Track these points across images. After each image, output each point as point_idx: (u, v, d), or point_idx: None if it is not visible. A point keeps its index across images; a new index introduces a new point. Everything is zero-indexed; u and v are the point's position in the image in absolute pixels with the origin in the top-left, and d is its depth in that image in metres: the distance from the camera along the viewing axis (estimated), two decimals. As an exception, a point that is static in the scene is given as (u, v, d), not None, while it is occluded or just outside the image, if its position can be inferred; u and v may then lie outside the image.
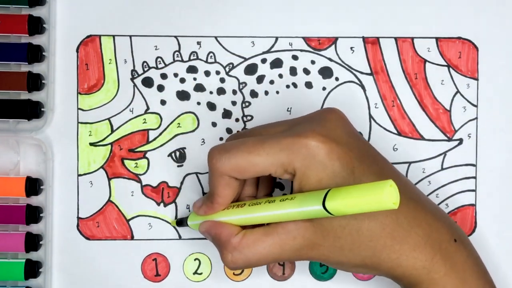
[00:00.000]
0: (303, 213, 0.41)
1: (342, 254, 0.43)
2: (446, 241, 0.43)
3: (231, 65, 0.52)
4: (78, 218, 0.52)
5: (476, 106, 0.52)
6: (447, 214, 0.46)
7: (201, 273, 0.52)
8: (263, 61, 0.52)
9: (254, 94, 0.52)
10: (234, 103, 0.52)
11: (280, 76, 0.52)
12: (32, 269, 0.50)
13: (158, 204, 0.52)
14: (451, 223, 0.45)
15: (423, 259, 0.43)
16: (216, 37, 0.52)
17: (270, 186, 0.48)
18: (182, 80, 0.52)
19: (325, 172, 0.41)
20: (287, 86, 0.52)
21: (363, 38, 0.52)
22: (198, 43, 0.52)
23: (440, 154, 0.52)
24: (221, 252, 0.44)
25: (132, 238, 0.52)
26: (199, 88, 0.52)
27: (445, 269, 0.43)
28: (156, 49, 0.51)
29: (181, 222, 0.50)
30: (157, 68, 0.52)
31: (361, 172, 0.42)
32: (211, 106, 0.52)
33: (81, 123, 0.51)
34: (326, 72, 0.52)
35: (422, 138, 0.52)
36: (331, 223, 0.42)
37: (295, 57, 0.52)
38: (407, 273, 0.43)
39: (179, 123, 0.52)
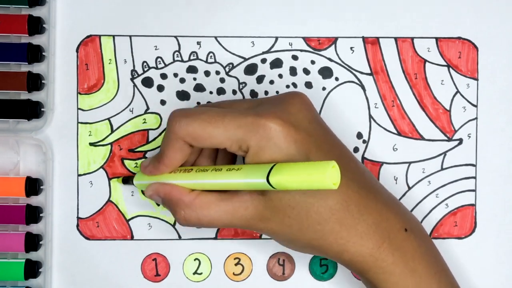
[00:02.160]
0: (248, 184, 0.42)
1: (291, 232, 0.43)
2: (395, 230, 0.44)
3: (231, 65, 0.52)
4: (78, 218, 0.52)
5: (476, 106, 0.52)
6: (402, 205, 0.47)
7: (201, 273, 0.52)
8: (263, 61, 0.52)
9: (254, 94, 0.52)
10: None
11: (280, 76, 0.52)
12: (32, 269, 0.50)
13: (158, 204, 0.52)
14: (404, 213, 0.45)
15: (370, 246, 0.43)
16: (216, 37, 0.52)
17: (229, 162, 0.48)
18: (182, 80, 0.52)
19: (279, 154, 0.42)
20: (287, 86, 0.52)
21: (363, 38, 0.52)
22: (198, 43, 0.52)
23: (440, 154, 0.52)
24: (173, 210, 0.45)
25: (132, 238, 0.52)
26: (199, 88, 0.52)
27: (392, 258, 0.43)
28: (156, 49, 0.51)
29: (127, 180, 0.51)
30: (157, 68, 0.52)
31: (317, 158, 0.42)
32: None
33: (81, 123, 0.51)
34: (326, 72, 0.52)
35: (422, 138, 0.52)
36: (281, 201, 0.42)
37: (295, 57, 0.52)
38: (354, 259, 0.44)
39: (179, 123, 0.52)
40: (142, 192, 0.51)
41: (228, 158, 0.48)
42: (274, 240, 0.46)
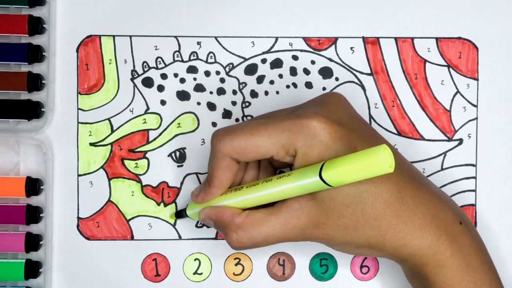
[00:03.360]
0: (301, 187, 0.41)
1: (347, 234, 0.42)
2: (451, 222, 0.43)
3: (231, 65, 0.52)
4: (78, 218, 0.52)
5: (476, 106, 0.52)
6: (451, 198, 0.46)
7: (201, 273, 0.52)
8: (263, 61, 0.52)
9: (254, 94, 0.52)
10: (234, 103, 0.52)
11: (280, 76, 0.52)
12: (32, 269, 0.50)
13: (158, 204, 0.52)
14: (455, 206, 0.45)
15: (428, 238, 0.42)
16: (216, 37, 0.52)
17: (271, 174, 0.48)
18: (182, 80, 0.52)
19: (327, 151, 0.41)
20: (287, 86, 0.52)
21: (363, 38, 0.52)
22: (198, 43, 0.52)
23: (440, 154, 0.52)
24: (225, 233, 0.44)
25: (132, 238, 0.52)
26: (199, 88, 0.52)
27: (451, 250, 0.43)
28: (156, 49, 0.52)
29: (180, 213, 0.51)
30: (157, 68, 0.52)
31: None
32: (211, 106, 0.52)
33: (81, 123, 0.51)
34: (326, 72, 0.52)
35: (422, 138, 0.52)
36: (334, 202, 0.42)
37: (295, 57, 0.52)
38: (413, 253, 0.43)
39: (179, 123, 0.52)
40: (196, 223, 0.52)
41: (268, 171, 0.47)
42: (329, 246, 0.45)
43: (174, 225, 0.52)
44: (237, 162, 0.44)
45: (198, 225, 0.52)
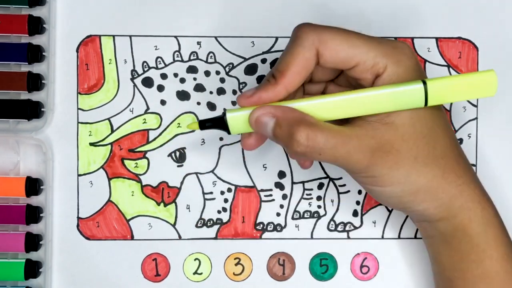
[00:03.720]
0: (397, 97, 0.39)
1: (414, 167, 0.40)
2: (480, 189, 0.43)
3: (231, 65, 0.52)
4: (78, 218, 0.52)
5: (476, 106, 0.52)
6: None
7: (201, 273, 0.52)
8: (263, 61, 0.52)
9: (254, 94, 0.52)
10: (234, 103, 0.52)
11: (280, 76, 0.52)
12: (32, 269, 0.50)
13: (158, 204, 0.52)
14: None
15: (479, 193, 0.42)
16: (216, 37, 0.52)
17: None
18: (182, 80, 0.52)
19: (414, 72, 0.41)
20: (287, 86, 0.52)
21: (363, 38, 0.52)
22: (198, 43, 0.52)
23: (440, 154, 0.52)
24: (294, 130, 0.38)
25: (132, 238, 0.52)
26: (199, 88, 0.52)
27: (494, 210, 0.43)
28: (156, 49, 0.52)
29: (205, 122, 0.42)
30: (157, 68, 0.52)
31: None
32: (211, 106, 0.52)
33: (81, 123, 0.52)
34: (326, 72, 0.52)
35: (422, 138, 0.52)
36: (413, 128, 0.40)
37: (295, 57, 0.52)
38: (465, 205, 0.41)
39: (179, 123, 0.52)
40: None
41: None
42: (382, 186, 0.41)
43: (174, 225, 0.52)
44: (317, 63, 0.40)
45: (199, 225, 0.52)
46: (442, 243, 0.43)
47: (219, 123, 0.41)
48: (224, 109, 0.44)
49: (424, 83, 0.39)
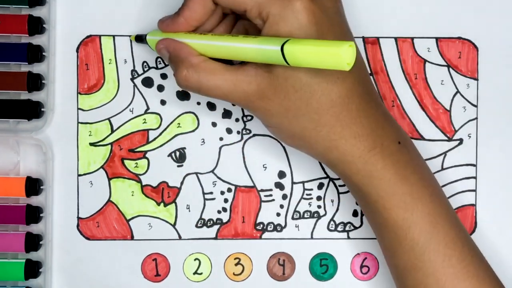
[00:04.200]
0: (260, 52, 0.41)
1: (286, 117, 0.43)
2: (389, 140, 0.44)
3: (231, 65, 0.52)
4: (78, 218, 0.52)
5: (476, 106, 0.52)
6: (396, 122, 0.46)
7: (201, 273, 0.52)
8: (263, 61, 0.52)
9: (254, 94, 0.52)
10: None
11: (280, 76, 0.52)
12: (32, 269, 0.50)
13: (158, 204, 0.52)
14: (399, 129, 0.46)
15: (361, 148, 0.43)
16: (216, 37, 0.52)
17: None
18: (182, 80, 0.52)
19: (298, 30, 0.41)
20: (287, 86, 0.52)
21: (363, 38, 0.52)
22: (198, 43, 0.52)
23: (440, 154, 0.52)
24: (176, 68, 0.44)
25: (132, 238, 0.52)
26: (199, 88, 0.52)
27: (383, 163, 0.43)
28: (156, 49, 0.51)
29: (140, 38, 0.50)
30: (157, 68, 0.52)
31: None
32: (211, 106, 0.52)
33: (81, 123, 0.51)
34: (326, 72, 0.52)
35: (422, 138, 0.52)
36: (286, 81, 0.42)
37: (295, 57, 0.52)
38: (342, 158, 0.44)
39: (179, 123, 0.52)
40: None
41: (249, 33, 0.47)
42: (265, 124, 0.45)
43: (174, 225, 0.52)
44: (214, 3, 0.44)
45: (199, 225, 0.52)
46: (351, 191, 0.47)
47: (143, 40, 0.49)
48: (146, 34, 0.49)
49: (285, 44, 0.40)
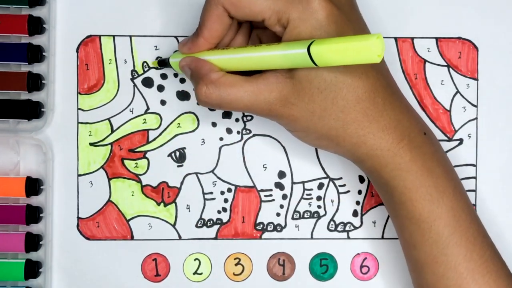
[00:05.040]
0: (286, 58, 0.41)
1: (311, 120, 0.43)
2: (416, 131, 0.44)
3: (231, 65, 0.52)
4: (78, 218, 0.52)
5: (476, 106, 0.52)
6: (418, 114, 0.46)
7: (201, 273, 0.52)
8: (263, 61, 0.52)
9: (254, 94, 0.52)
10: (234, 103, 0.52)
11: (280, 76, 0.52)
12: (32, 269, 0.50)
13: (158, 204, 0.52)
14: (422, 120, 0.46)
15: (389, 140, 0.43)
16: (216, 37, 0.52)
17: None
18: (182, 80, 0.52)
19: (318, 31, 0.41)
20: (287, 86, 0.52)
21: (363, 38, 0.52)
22: (198, 43, 0.52)
23: (440, 154, 0.52)
24: (196, 84, 0.44)
25: (132, 238, 0.52)
26: (199, 88, 0.52)
27: (410, 155, 0.43)
28: (156, 49, 0.52)
29: (163, 61, 0.50)
30: (157, 68, 0.52)
31: None
32: (211, 106, 0.52)
33: (81, 123, 0.52)
34: (326, 72, 0.52)
35: (422, 138, 0.52)
36: (310, 84, 0.42)
37: (295, 57, 0.52)
38: (370, 152, 0.44)
39: (179, 123, 0.52)
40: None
41: (262, 41, 0.47)
42: (290, 130, 0.45)
43: (174, 225, 0.52)
44: (230, 17, 0.44)
45: (199, 225, 0.52)
46: (374, 185, 0.47)
47: (167, 64, 0.50)
48: (168, 58, 0.50)
49: (311, 45, 0.39)
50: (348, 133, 0.43)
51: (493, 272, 0.44)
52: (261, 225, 0.52)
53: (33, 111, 0.50)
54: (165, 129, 0.52)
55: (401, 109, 0.44)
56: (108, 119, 0.52)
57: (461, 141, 0.52)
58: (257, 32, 0.47)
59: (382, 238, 0.52)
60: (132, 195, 0.52)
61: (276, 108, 0.43)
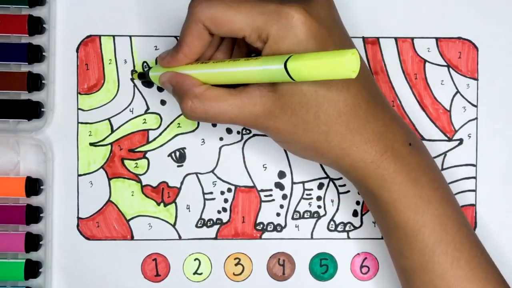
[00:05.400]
0: (264, 73, 0.41)
1: (295, 133, 0.43)
2: (399, 143, 0.44)
3: (231, 65, 0.52)
4: (78, 218, 0.52)
5: (476, 106, 0.52)
6: (406, 123, 0.46)
7: (201, 273, 0.52)
8: (263, 61, 0.52)
9: (254, 94, 0.52)
10: (234, 103, 0.52)
11: (280, 76, 0.52)
12: (32, 269, 0.50)
13: (158, 204, 0.52)
14: (409, 130, 0.46)
15: (372, 153, 0.43)
16: (216, 37, 0.52)
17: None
18: (182, 80, 0.52)
19: (297, 46, 0.41)
20: (287, 86, 0.52)
21: (363, 38, 0.52)
22: (198, 43, 0.51)
23: (440, 154, 0.52)
24: (181, 100, 0.44)
25: (132, 238, 0.52)
26: (199, 88, 0.52)
27: (394, 167, 0.44)
28: (156, 49, 0.51)
29: (143, 75, 0.50)
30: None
31: None
32: (211, 106, 0.52)
33: (81, 123, 0.52)
34: (326, 72, 0.52)
35: (422, 138, 0.52)
36: (292, 98, 0.42)
37: (295, 57, 0.52)
38: (354, 164, 0.44)
39: (179, 123, 0.52)
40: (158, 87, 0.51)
41: (244, 55, 0.47)
42: (275, 140, 0.46)
43: (174, 225, 0.52)
44: (210, 34, 0.44)
45: (199, 225, 0.52)
46: (361, 195, 0.47)
47: (146, 77, 0.50)
48: (149, 68, 0.51)
49: (288, 61, 0.40)
50: (332, 145, 0.43)
51: (481, 279, 0.44)
52: (261, 225, 0.52)
53: (33, 111, 0.50)
54: (165, 129, 0.52)
55: (384, 121, 0.44)
56: (108, 119, 0.52)
57: (461, 141, 0.52)
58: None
59: (382, 238, 0.52)
60: (132, 195, 0.52)
61: (261, 120, 0.43)
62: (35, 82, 0.50)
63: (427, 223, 0.44)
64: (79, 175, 0.52)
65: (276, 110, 0.43)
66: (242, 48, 0.48)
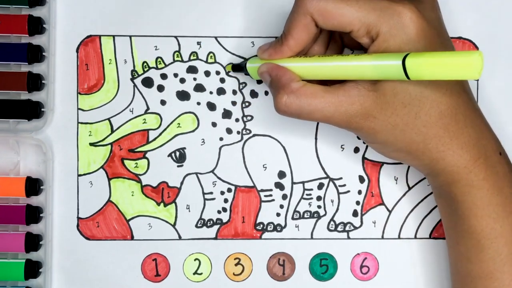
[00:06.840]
0: (377, 68, 0.40)
1: (392, 133, 0.43)
2: (491, 151, 0.44)
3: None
4: (78, 218, 0.52)
5: (476, 106, 0.52)
6: (494, 133, 0.46)
7: (201, 273, 0.52)
8: (263, 61, 0.52)
9: (254, 94, 0.52)
10: (234, 103, 0.52)
11: (280, 76, 0.52)
12: (32, 269, 0.50)
13: (158, 204, 0.52)
14: (498, 140, 0.46)
15: (467, 158, 0.43)
16: (216, 37, 0.52)
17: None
18: (182, 80, 0.52)
19: (407, 45, 0.41)
20: (287, 86, 0.52)
21: (363, 38, 0.52)
22: (198, 43, 0.52)
23: (440, 154, 0.52)
24: (276, 93, 0.44)
25: (132, 238, 0.52)
26: (199, 88, 0.52)
27: (485, 173, 0.43)
28: (156, 49, 0.52)
29: (238, 66, 0.50)
30: (157, 68, 0.52)
31: None
32: (211, 106, 0.52)
33: (81, 123, 0.52)
34: (326, 72, 0.52)
35: (422, 138, 0.52)
36: (394, 98, 0.42)
37: (295, 57, 0.52)
38: (448, 168, 0.43)
39: (179, 123, 0.52)
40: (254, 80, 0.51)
41: (339, 50, 0.47)
42: (368, 142, 0.45)
43: (174, 225, 0.52)
44: (317, 26, 0.43)
45: (199, 225, 0.52)
46: (437, 196, 0.47)
47: (243, 69, 0.49)
48: (246, 59, 0.50)
49: (406, 57, 0.39)
50: (429, 148, 0.43)
51: None
52: (261, 225, 0.52)
53: (33, 111, 0.50)
54: (165, 129, 0.52)
55: (480, 127, 0.44)
56: (108, 119, 0.52)
57: (461, 141, 0.52)
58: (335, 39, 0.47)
59: (382, 238, 0.52)
60: (132, 195, 0.52)
61: (356, 120, 0.43)
62: (35, 82, 0.50)
63: (504, 233, 0.44)
64: (79, 175, 0.52)
65: (375, 109, 0.42)
66: (337, 42, 0.47)
